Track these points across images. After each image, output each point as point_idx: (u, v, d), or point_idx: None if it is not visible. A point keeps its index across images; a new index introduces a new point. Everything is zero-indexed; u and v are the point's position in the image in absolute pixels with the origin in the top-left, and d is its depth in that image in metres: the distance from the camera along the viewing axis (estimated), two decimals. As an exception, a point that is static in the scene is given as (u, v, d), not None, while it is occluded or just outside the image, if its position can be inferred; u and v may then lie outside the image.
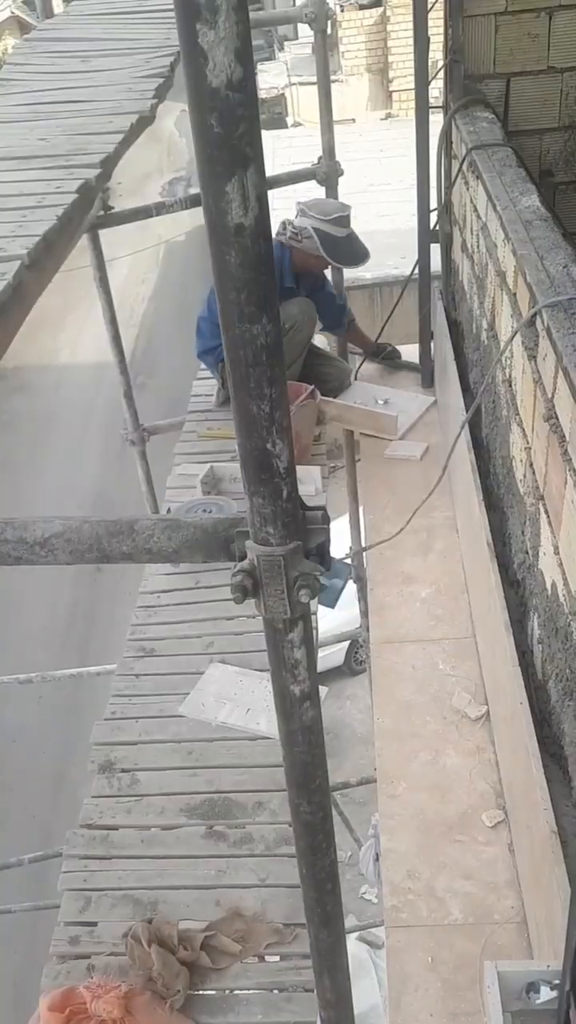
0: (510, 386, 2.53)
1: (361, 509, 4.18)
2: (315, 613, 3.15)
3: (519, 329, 2.27)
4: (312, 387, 4.07)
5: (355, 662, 8.76)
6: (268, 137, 12.67)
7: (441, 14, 3.63)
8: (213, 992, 2.43)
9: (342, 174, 4.33)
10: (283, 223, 4.23)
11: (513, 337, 2.39)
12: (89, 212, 2.38)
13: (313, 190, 4.45)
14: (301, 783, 1.32)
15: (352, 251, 4.25)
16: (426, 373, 4.57)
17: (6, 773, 7.07)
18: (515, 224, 2.44)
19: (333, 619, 6.88)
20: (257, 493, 1.03)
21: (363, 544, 4.20)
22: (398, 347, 4.78)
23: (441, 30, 3.65)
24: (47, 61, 2.77)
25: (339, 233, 4.16)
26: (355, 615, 5.98)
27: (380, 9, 15.78)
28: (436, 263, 4.18)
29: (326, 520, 1.10)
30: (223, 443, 4.28)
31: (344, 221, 4.17)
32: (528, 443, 2.30)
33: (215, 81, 0.79)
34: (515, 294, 2.42)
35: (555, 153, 3.78)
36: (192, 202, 4.29)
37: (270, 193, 0.89)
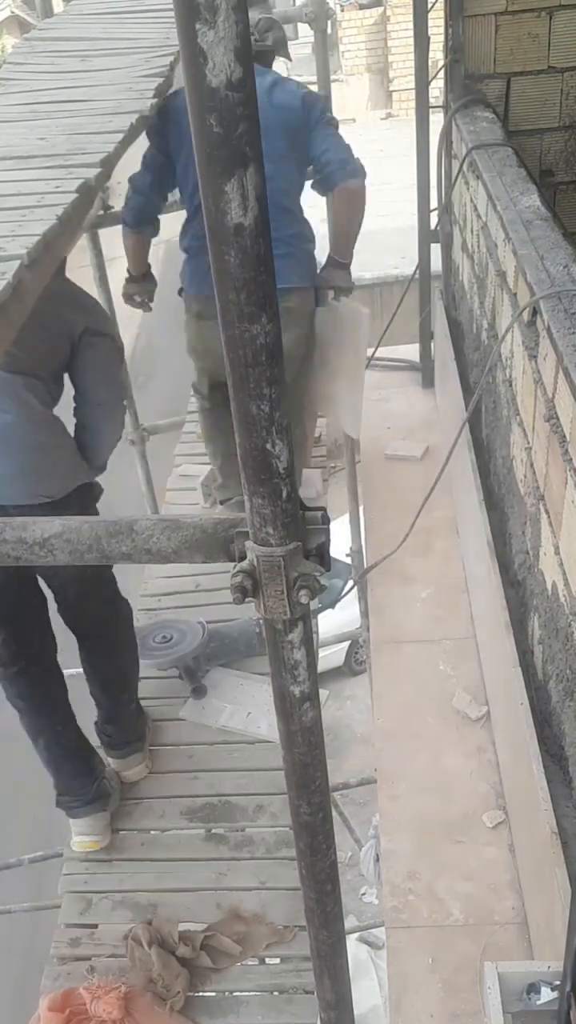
0: (510, 386, 2.53)
1: (361, 509, 4.18)
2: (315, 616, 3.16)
3: (516, 317, 2.27)
4: None
5: (355, 662, 8.75)
6: (268, 137, 12.61)
7: (441, 14, 3.63)
8: (213, 994, 2.43)
9: (342, 174, 4.32)
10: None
11: (511, 327, 2.39)
12: (89, 212, 2.37)
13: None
14: (301, 784, 1.31)
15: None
16: (426, 373, 4.57)
17: (6, 773, 7.06)
18: (515, 224, 2.44)
19: (333, 619, 6.88)
20: (257, 493, 1.02)
21: (363, 544, 4.20)
22: (399, 347, 4.75)
23: (441, 30, 3.65)
24: (46, 61, 2.76)
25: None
26: (355, 615, 5.98)
27: (380, 9, 15.78)
28: (437, 263, 4.18)
29: (326, 520, 1.10)
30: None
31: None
32: (528, 443, 2.29)
33: (215, 81, 0.79)
34: (515, 294, 2.41)
35: (555, 153, 3.77)
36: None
37: (271, 192, 0.89)
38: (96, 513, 2.57)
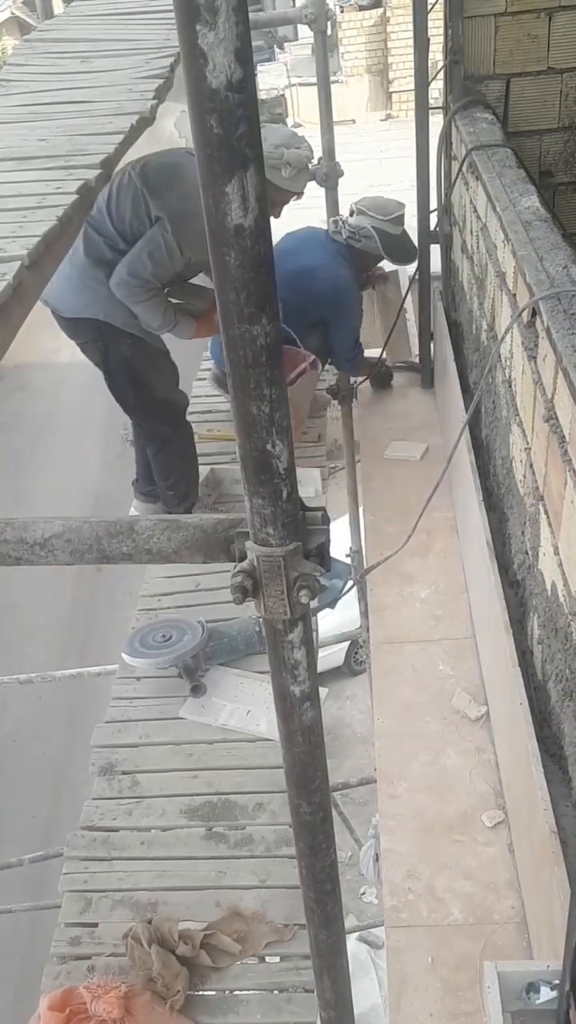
0: (510, 387, 2.53)
1: (361, 510, 4.18)
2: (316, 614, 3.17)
3: (516, 318, 2.27)
4: (312, 357, 4.03)
5: (355, 662, 8.75)
6: (268, 138, 12.63)
7: (441, 15, 3.63)
8: (213, 993, 2.43)
9: (342, 175, 4.33)
10: (335, 221, 4.17)
11: (510, 327, 2.39)
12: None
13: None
14: (301, 783, 1.32)
15: (406, 247, 4.17)
16: (426, 373, 4.57)
17: (6, 773, 7.07)
18: (515, 225, 2.44)
19: (333, 619, 6.89)
20: (257, 494, 1.03)
21: (363, 544, 4.20)
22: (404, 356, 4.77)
23: (441, 31, 3.66)
24: (47, 62, 2.77)
25: (395, 231, 4.09)
26: (355, 615, 5.98)
27: (380, 10, 15.79)
28: (436, 263, 4.18)
29: (326, 521, 1.10)
30: (224, 445, 4.28)
31: (401, 220, 4.11)
32: (528, 444, 2.30)
33: (215, 82, 0.80)
34: (515, 295, 2.42)
35: (555, 154, 3.78)
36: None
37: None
38: (119, 355, 3.48)
